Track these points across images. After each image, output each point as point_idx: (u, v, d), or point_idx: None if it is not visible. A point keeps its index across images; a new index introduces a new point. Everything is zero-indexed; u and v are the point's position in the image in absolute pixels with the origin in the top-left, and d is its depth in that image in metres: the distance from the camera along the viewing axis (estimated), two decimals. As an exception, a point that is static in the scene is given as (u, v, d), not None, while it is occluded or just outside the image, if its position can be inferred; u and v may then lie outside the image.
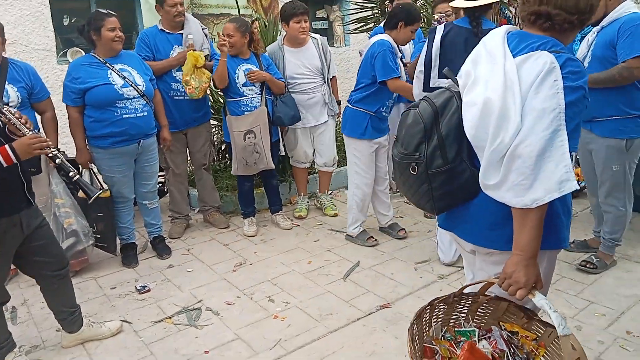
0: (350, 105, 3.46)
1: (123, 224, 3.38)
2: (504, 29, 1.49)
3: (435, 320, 1.61)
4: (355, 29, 5.61)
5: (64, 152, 3.35)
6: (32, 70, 3.08)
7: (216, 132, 4.59)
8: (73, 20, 5.31)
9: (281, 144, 3.92)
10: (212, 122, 4.21)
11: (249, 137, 3.55)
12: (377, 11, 5.36)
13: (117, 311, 2.85)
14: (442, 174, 1.49)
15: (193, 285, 3.13)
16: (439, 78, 2.91)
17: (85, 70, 3.05)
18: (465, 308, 1.64)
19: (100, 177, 3.32)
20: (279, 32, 4.80)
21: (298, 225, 4.02)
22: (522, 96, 1.32)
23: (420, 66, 2.97)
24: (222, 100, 4.65)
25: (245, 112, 3.57)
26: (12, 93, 2.94)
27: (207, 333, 2.62)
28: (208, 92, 4.41)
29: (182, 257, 3.53)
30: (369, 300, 2.89)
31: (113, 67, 3.09)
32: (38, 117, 3.15)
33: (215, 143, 4.56)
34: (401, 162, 1.55)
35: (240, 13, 5.01)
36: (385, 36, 3.31)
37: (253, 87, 3.59)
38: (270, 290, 3.03)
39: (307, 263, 3.37)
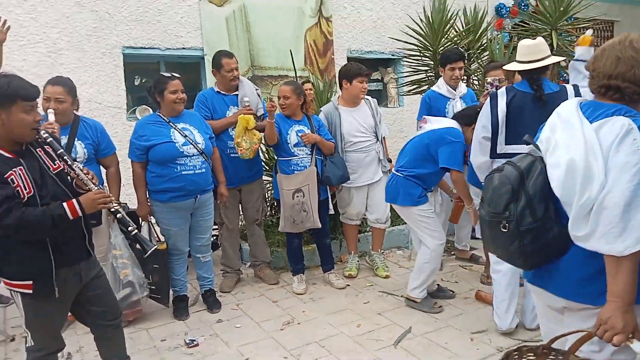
0: (400, 174, 3.39)
1: (176, 276, 3.44)
2: (575, 100, 1.62)
3: None
4: (408, 91, 5.69)
5: (125, 204, 3.54)
6: (100, 128, 3.28)
7: (269, 187, 4.68)
8: (143, 80, 5.70)
9: (330, 203, 3.94)
10: (265, 178, 4.30)
11: (297, 196, 3.60)
12: (431, 74, 5.44)
13: (166, 365, 2.85)
14: (532, 231, 1.57)
15: (241, 342, 3.10)
16: (506, 144, 2.89)
17: (150, 128, 3.22)
18: None
19: (157, 230, 3.43)
20: (333, 94, 4.95)
21: (348, 285, 3.94)
22: (604, 156, 1.43)
23: (484, 132, 2.94)
24: (276, 157, 4.77)
25: (296, 172, 3.64)
26: (80, 149, 3.13)
27: (252, 394, 2.56)
28: (263, 149, 4.56)
29: (231, 312, 3.53)
30: (421, 369, 2.75)
31: (176, 126, 3.25)
32: (103, 171, 3.33)
33: (268, 199, 4.63)
34: (492, 220, 1.65)
35: (297, 75, 5.22)
36: (456, 125, 3.32)
37: (304, 148, 3.68)
38: (317, 353, 2.95)
39: (357, 326, 3.27)
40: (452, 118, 3.48)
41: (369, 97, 4.11)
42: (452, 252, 4.59)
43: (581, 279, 1.54)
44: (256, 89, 3.96)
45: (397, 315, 3.41)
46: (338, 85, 4.11)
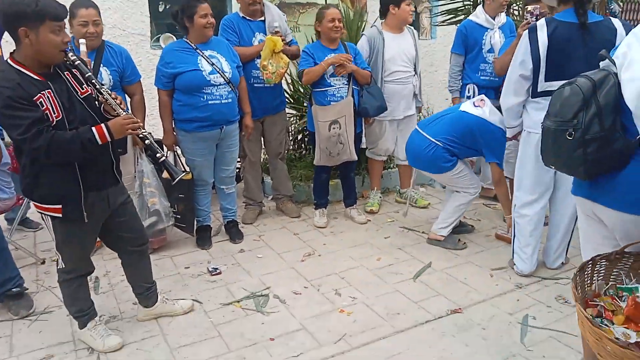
0: (440, 144, 3.27)
1: (201, 206, 3.49)
2: None
3: (597, 275, 1.78)
4: (443, 21, 5.40)
5: (150, 132, 3.55)
6: (125, 54, 3.23)
7: (294, 121, 4.62)
8: (168, 7, 5.55)
9: (363, 136, 3.87)
10: (288, 111, 4.23)
11: (334, 128, 3.53)
12: (468, 2, 5.12)
13: (190, 290, 2.96)
14: (598, 140, 1.64)
15: (262, 271, 3.17)
16: (546, 81, 2.68)
17: (177, 55, 3.15)
18: (627, 266, 1.77)
19: (183, 160, 3.45)
20: (364, 23, 4.74)
21: (369, 221, 3.96)
22: None
23: (522, 70, 2.71)
24: (302, 90, 4.68)
25: (332, 102, 3.55)
26: (105, 76, 3.11)
27: (273, 320, 2.65)
28: (288, 80, 4.45)
29: (253, 243, 3.60)
30: (439, 303, 2.79)
31: (203, 53, 3.16)
32: (128, 100, 3.31)
33: (291, 132, 4.59)
34: (557, 129, 1.72)
35: (327, 2, 4.99)
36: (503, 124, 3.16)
37: (340, 78, 3.56)
38: (337, 284, 3.01)
39: (377, 259, 3.31)
40: None
41: (412, 27, 3.98)
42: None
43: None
44: (283, 14, 3.80)
45: (417, 250, 3.43)
46: (380, 12, 3.93)
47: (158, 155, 2.27)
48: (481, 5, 3.95)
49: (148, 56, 5.22)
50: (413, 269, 3.18)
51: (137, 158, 3.28)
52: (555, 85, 2.56)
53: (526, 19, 3.17)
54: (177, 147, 3.39)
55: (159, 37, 5.43)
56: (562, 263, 3.11)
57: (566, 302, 2.76)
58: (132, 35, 5.16)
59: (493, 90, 3.92)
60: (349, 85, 3.58)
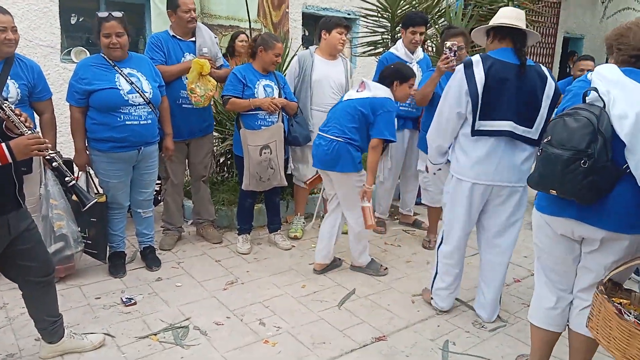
0: (339, 139, 3.12)
1: (114, 231, 3.27)
2: (612, 65, 1.95)
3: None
4: (363, 52, 5.59)
5: (59, 152, 3.28)
6: (37, 69, 2.99)
7: (216, 143, 4.50)
8: (80, 20, 5.26)
9: (290, 162, 3.86)
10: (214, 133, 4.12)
11: (265, 152, 3.47)
12: (387, 37, 5.36)
13: (101, 323, 2.72)
14: (605, 169, 1.83)
15: (181, 301, 3.01)
16: (480, 120, 2.57)
17: (92, 71, 2.96)
18: None
19: (96, 181, 3.21)
20: (287, 49, 4.77)
21: (294, 246, 3.91)
22: None
23: (458, 107, 2.60)
24: (224, 112, 4.59)
25: (263, 127, 3.49)
26: (13, 89, 2.84)
27: (193, 354, 2.50)
28: (212, 102, 4.35)
29: (171, 271, 3.41)
30: (363, 331, 2.78)
31: (122, 70, 3.01)
32: (36, 118, 3.05)
33: (215, 155, 4.47)
34: (571, 157, 1.84)
35: (251, 27, 4.99)
36: (389, 94, 3.17)
37: None
38: (261, 313, 2.92)
39: (301, 287, 3.26)
40: (377, 81, 3.30)
41: (347, 58, 4.05)
42: (396, 217, 4.66)
43: (628, 213, 1.88)
44: (214, 37, 3.72)
45: (341, 276, 3.44)
46: (317, 37, 3.98)
47: (67, 179, 2.09)
48: (401, 40, 4.13)
49: (57, 70, 4.89)
50: (337, 295, 3.16)
51: (43, 177, 3.01)
52: (487, 125, 2.57)
53: (445, 53, 3.35)
54: (90, 167, 3.16)
55: (70, 50, 5.11)
56: (498, 316, 2.97)
57: (482, 327, 2.88)
58: (40, 47, 4.81)
59: (411, 121, 4.09)
60: (279, 111, 3.56)
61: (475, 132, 2.61)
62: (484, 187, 2.67)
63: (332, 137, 3.16)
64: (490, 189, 2.68)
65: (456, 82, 2.61)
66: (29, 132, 1.96)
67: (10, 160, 1.89)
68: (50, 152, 2.02)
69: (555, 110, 2.31)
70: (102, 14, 2.97)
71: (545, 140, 1.94)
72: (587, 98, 1.92)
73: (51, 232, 2.97)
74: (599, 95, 1.88)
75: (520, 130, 2.57)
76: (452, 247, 2.88)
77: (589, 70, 3.69)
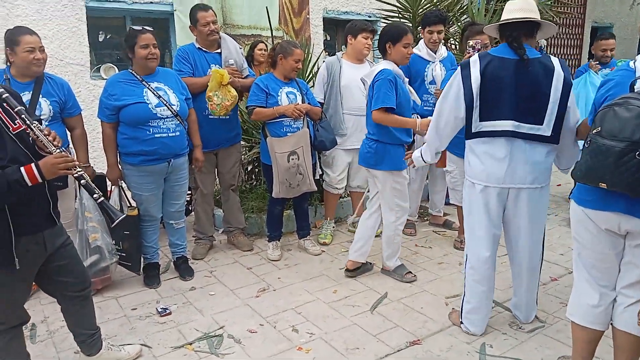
0: (378, 140, 3.17)
1: (148, 243, 3.33)
2: None
3: None
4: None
5: (92, 166, 3.38)
6: (66, 86, 3.09)
7: (244, 152, 4.55)
8: (108, 37, 5.39)
9: (318, 167, 3.87)
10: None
11: (292, 159, 3.49)
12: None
13: (137, 334, 2.77)
14: None
15: (215, 310, 3.04)
16: (481, 121, 2.47)
17: (121, 87, 3.04)
18: None
19: (129, 194, 3.29)
20: (310, 54, 4.79)
21: (324, 252, 3.91)
22: None
23: (455, 110, 2.50)
24: (250, 121, 4.63)
25: (288, 134, 3.51)
26: (45, 107, 2.95)
27: (228, 362, 2.52)
28: (237, 111, 4.40)
29: (204, 280, 3.46)
30: (397, 335, 2.76)
31: (149, 85, 3.07)
32: (68, 133, 3.15)
33: (244, 163, 4.51)
34: (625, 148, 1.77)
35: (273, 35, 5.03)
36: (386, 64, 3.13)
37: None
38: (294, 319, 2.92)
39: (333, 292, 3.26)
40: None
41: (373, 62, 4.04)
42: (426, 218, 4.61)
43: None
44: (240, 48, 3.77)
45: (373, 280, 3.41)
46: (343, 42, 4.02)
47: (95, 196, 2.13)
48: (423, 40, 4.10)
49: (88, 87, 5.03)
50: (369, 300, 3.14)
51: (78, 191, 3.10)
52: (488, 126, 2.47)
53: (468, 52, 3.30)
54: (122, 181, 3.23)
55: (100, 67, 5.25)
56: (536, 316, 2.87)
57: (520, 328, 2.81)
58: (70, 66, 4.96)
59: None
60: (304, 116, 3.58)
61: (474, 135, 2.51)
62: (498, 189, 2.52)
63: (368, 137, 3.25)
64: (507, 192, 2.53)
65: (454, 84, 2.51)
66: (57, 150, 2.00)
67: (39, 179, 1.92)
68: (79, 169, 2.06)
69: (593, 100, 2.19)
70: (137, 27, 3.08)
71: (595, 131, 1.86)
72: (636, 87, 1.84)
73: (87, 245, 3.05)
74: None
75: (525, 128, 2.43)
76: (475, 258, 2.66)
77: (611, 54, 3.60)
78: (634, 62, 1.99)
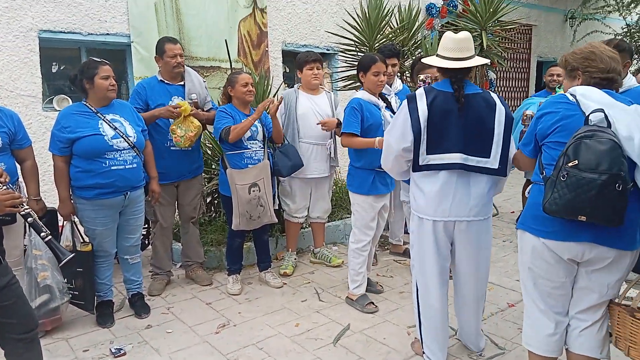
0: (352, 165, 3.42)
1: (101, 279, 3.20)
2: (595, 88, 2.05)
3: None
4: (344, 86, 5.68)
5: (43, 201, 3.24)
6: (16, 117, 2.98)
7: (204, 184, 4.48)
8: (62, 68, 5.27)
9: (277, 197, 3.86)
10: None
11: (253, 190, 3.46)
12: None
13: (89, 377, 2.63)
14: (629, 190, 1.87)
15: (173, 348, 2.93)
16: (428, 154, 2.47)
17: (75, 119, 2.96)
18: None
19: (82, 229, 3.16)
20: (269, 86, 4.83)
21: (285, 284, 3.86)
22: None
23: (403, 142, 2.49)
24: (209, 152, 4.59)
25: (249, 165, 3.49)
26: None
27: (187, 404, 2.42)
28: (207, 143, 4.39)
29: (161, 317, 3.33)
30: (361, 368, 2.73)
31: (104, 117, 3.02)
32: (18, 166, 3.02)
33: (204, 196, 4.44)
34: (606, 180, 1.83)
35: (232, 67, 5.05)
36: (360, 93, 3.39)
37: (256, 141, 3.55)
38: (255, 356, 2.85)
39: (295, 325, 3.21)
40: None
41: (331, 93, 4.13)
42: (387, 247, 4.64)
43: (634, 230, 1.99)
44: (204, 81, 3.76)
45: (335, 312, 3.39)
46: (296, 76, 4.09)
47: (42, 234, 2.05)
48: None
49: (39, 119, 4.86)
50: (332, 332, 3.11)
51: (27, 227, 2.95)
52: (436, 159, 2.46)
53: (419, 85, 3.40)
54: (75, 216, 3.11)
55: (52, 98, 5.10)
56: (494, 342, 2.94)
57: (480, 355, 2.84)
58: (21, 97, 4.79)
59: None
60: (264, 148, 3.59)
61: (421, 167, 2.50)
62: (444, 223, 2.51)
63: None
64: (453, 224, 2.52)
65: (401, 117, 2.52)
66: (4, 187, 1.93)
67: None
68: (26, 207, 1.98)
69: (535, 132, 2.17)
70: (97, 59, 3.06)
71: (571, 164, 1.88)
72: (591, 118, 1.94)
73: (35, 284, 2.90)
74: (606, 117, 1.92)
75: (473, 161, 2.45)
76: (425, 290, 2.64)
77: (558, 80, 3.82)
78: (573, 96, 2.07)
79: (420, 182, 2.56)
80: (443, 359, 2.68)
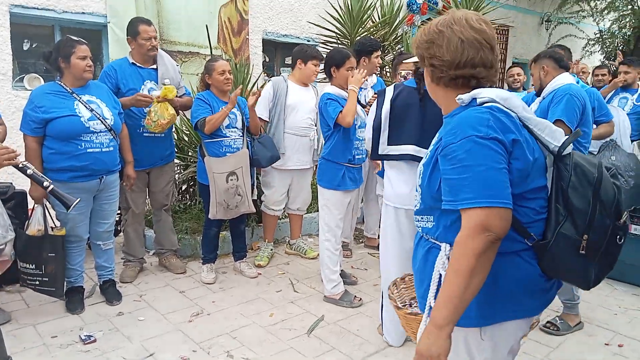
0: (323, 157, 3.35)
1: (72, 265, 3.12)
2: (513, 94, 1.48)
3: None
4: (324, 78, 5.65)
5: (11, 183, 3.15)
6: None
7: (178, 171, 4.42)
8: (34, 46, 5.10)
9: (254, 188, 3.83)
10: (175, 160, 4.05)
11: (231, 179, 3.42)
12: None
13: (58, 364, 2.58)
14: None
15: (144, 336, 2.89)
16: (388, 145, 2.64)
17: (49, 99, 2.86)
18: None
19: (53, 214, 3.07)
20: (249, 75, 4.78)
21: (260, 274, 3.85)
22: None
23: (367, 132, 2.72)
24: (186, 139, 4.53)
25: (228, 154, 3.45)
26: None
27: (159, 392, 2.40)
28: (172, 129, 4.30)
29: (133, 304, 3.28)
30: (334, 358, 2.75)
31: (80, 97, 2.93)
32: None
33: (177, 183, 4.38)
34: (613, 232, 1.34)
35: (212, 53, 4.97)
36: (329, 88, 3.31)
37: (235, 129, 3.51)
38: (229, 344, 2.84)
39: (269, 315, 3.20)
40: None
41: (317, 87, 4.10)
42: (361, 240, 4.67)
43: None
44: (177, 65, 3.68)
45: (310, 303, 3.40)
46: (291, 64, 4.03)
47: (45, 184, 2.13)
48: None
49: (9, 97, 4.70)
50: (306, 323, 3.12)
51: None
52: (393, 150, 2.61)
53: (400, 81, 3.43)
54: (47, 199, 3.02)
55: (23, 77, 4.94)
56: None
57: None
58: (-10, 74, 4.62)
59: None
60: (243, 137, 3.54)
61: (380, 157, 2.67)
62: (404, 210, 2.63)
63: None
64: (412, 213, 2.61)
65: (372, 109, 2.70)
66: None
67: None
68: (22, 160, 1.97)
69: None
70: (74, 37, 2.96)
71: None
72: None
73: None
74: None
75: (424, 153, 2.50)
76: (388, 279, 2.65)
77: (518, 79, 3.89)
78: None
79: (388, 171, 2.72)
80: (399, 342, 2.83)
